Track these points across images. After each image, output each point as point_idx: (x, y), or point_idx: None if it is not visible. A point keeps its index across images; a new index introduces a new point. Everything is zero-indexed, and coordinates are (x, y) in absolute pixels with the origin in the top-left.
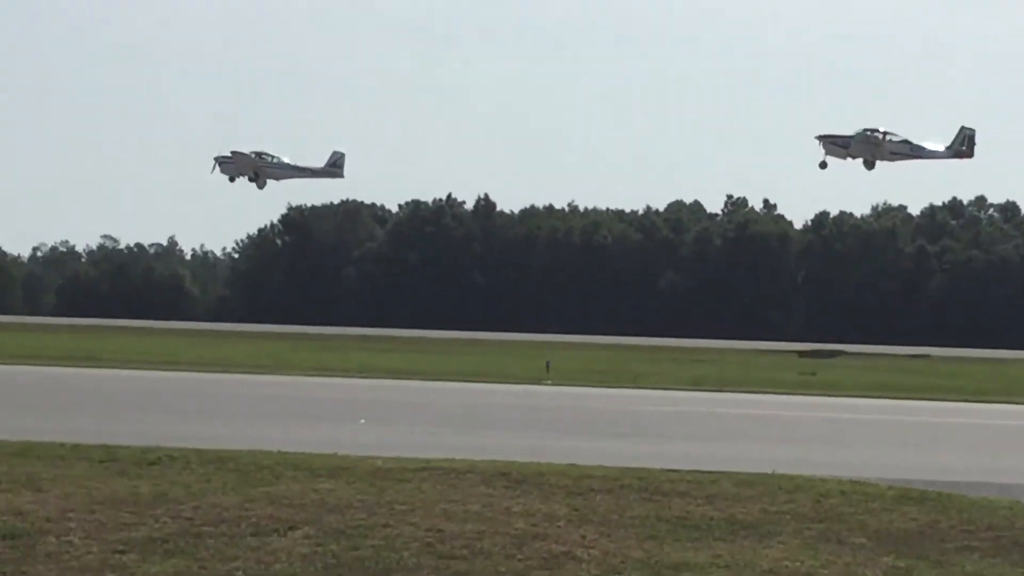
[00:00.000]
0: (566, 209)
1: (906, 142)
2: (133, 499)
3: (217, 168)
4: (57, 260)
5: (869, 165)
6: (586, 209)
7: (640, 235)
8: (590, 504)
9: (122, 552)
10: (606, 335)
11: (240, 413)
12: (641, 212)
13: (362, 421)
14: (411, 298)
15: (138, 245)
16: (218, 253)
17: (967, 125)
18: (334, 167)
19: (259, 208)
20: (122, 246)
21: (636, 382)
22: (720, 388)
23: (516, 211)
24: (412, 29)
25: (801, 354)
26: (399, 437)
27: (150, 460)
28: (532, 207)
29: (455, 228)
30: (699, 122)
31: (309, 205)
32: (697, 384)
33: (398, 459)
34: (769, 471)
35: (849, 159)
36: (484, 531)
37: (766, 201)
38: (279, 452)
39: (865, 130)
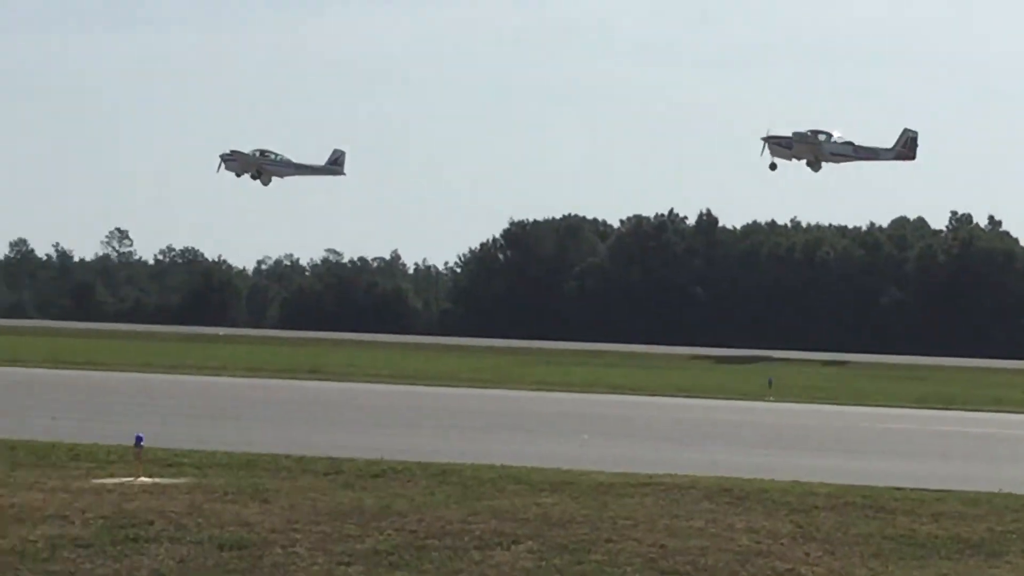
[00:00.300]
0: (788, 225)
1: (849, 143)
2: (358, 511)
3: (222, 166)
4: (282, 273)
5: (813, 166)
6: (808, 225)
7: (862, 251)
8: (814, 521)
9: (347, 564)
10: (828, 351)
11: (463, 426)
12: (864, 228)
13: (584, 436)
14: (632, 313)
15: (361, 259)
16: (440, 267)
17: (910, 127)
18: (335, 164)
19: (481, 222)
20: (345, 260)
21: (859, 399)
22: (944, 406)
23: (738, 227)
24: (635, 47)
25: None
26: (621, 452)
27: (374, 472)
28: (754, 223)
29: (677, 243)
30: (923, 137)
31: (531, 220)
32: (921, 402)
33: (621, 474)
34: (996, 490)
35: (794, 160)
36: (707, 547)
37: (991, 217)
38: (502, 466)
39: (808, 131)
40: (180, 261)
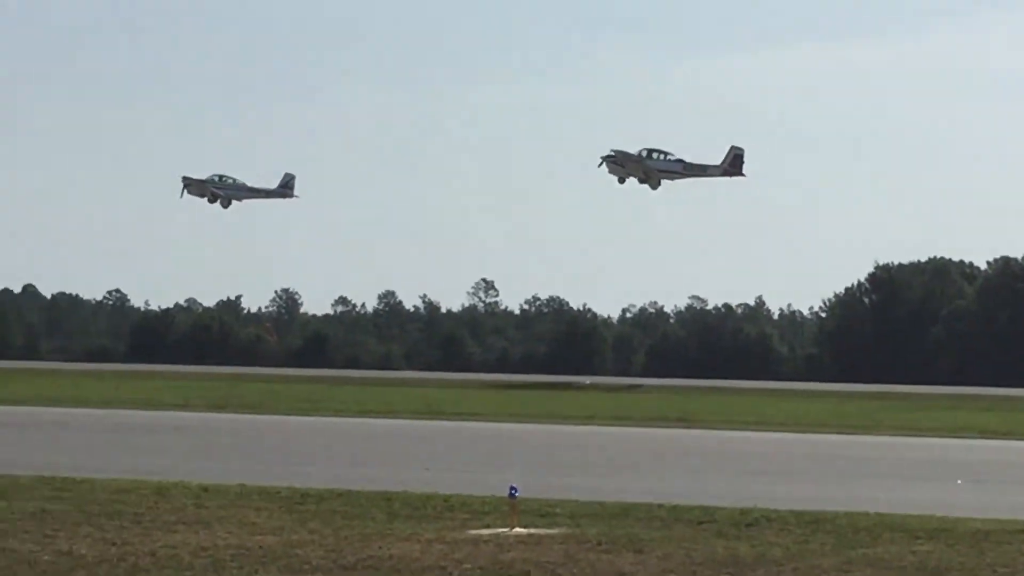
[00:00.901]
0: None
1: (680, 161)
2: (732, 560)
3: (185, 191)
4: (647, 321)
5: (650, 183)
6: None
7: None
8: None
9: None
10: None
11: (834, 473)
12: None
13: (959, 481)
14: (1001, 356)
15: (726, 305)
16: (805, 312)
17: (736, 144)
18: (285, 187)
19: (847, 266)
20: (710, 307)
21: None
22: None
23: None
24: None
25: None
26: (998, 498)
27: (748, 521)
28: None
29: None
30: None
31: (896, 263)
32: None
33: (998, 520)
34: None
35: (632, 177)
36: None
37: None
38: (876, 513)
39: (643, 149)
40: (546, 310)
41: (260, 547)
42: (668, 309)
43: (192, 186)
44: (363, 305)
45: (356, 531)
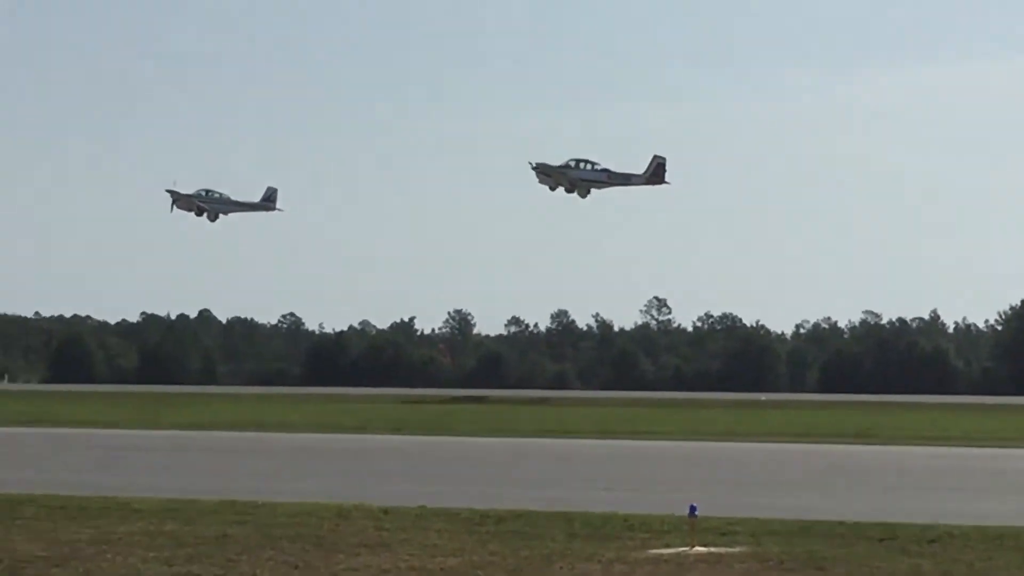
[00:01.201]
0: None
1: (605, 170)
2: None
3: (174, 206)
4: (820, 336)
5: (578, 192)
6: None
7: None
8: None
9: None
10: None
11: (1016, 487)
12: None
13: None
14: None
15: (900, 319)
16: (981, 325)
17: (659, 154)
18: (268, 201)
19: (1021, 278)
20: (884, 321)
21: None
22: None
23: None
24: None
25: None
26: None
27: (930, 538)
28: None
29: None
30: None
31: None
32: None
33: None
34: None
35: (560, 187)
36: None
37: None
38: None
39: (569, 160)
40: (719, 328)
41: (442, 569)
42: (842, 324)
43: (180, 200)
44: (536, 325)
45: (536, 552)
